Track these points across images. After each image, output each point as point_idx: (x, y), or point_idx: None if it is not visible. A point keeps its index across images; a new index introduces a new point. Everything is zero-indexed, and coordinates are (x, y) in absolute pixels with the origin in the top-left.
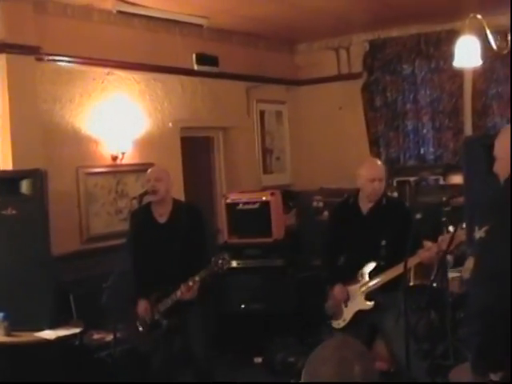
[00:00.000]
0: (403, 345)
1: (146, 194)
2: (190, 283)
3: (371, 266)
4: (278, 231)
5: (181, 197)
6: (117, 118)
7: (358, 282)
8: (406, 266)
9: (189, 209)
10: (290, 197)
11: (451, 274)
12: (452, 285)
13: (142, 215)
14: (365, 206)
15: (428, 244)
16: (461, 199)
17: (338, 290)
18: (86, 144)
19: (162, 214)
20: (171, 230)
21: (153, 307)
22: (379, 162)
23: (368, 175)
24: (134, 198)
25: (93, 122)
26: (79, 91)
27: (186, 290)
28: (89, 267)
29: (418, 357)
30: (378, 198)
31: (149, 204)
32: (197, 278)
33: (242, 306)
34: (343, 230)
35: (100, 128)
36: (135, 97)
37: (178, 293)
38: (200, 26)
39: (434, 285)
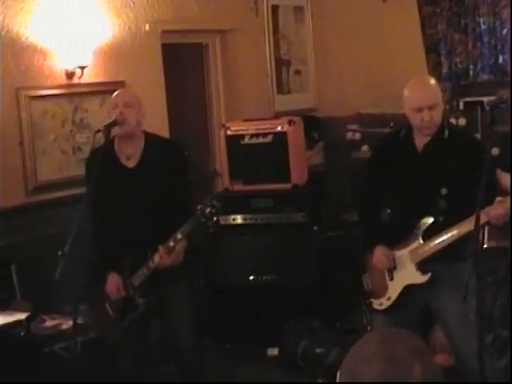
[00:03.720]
0: (473, 335)
1: (115, 124)
2: (171, 243)
3: (427, 222)
4: (298, 174)
5: (164, 128)
6: (72, 19)
7: (408, 244)
8: (478, 221)
9: (165, 146)
10: (314, 126)
11: None
12: None
13: (102, 157)
14: (420, 140)
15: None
16: None
17: (380, 254)
18: (30, 56)
19: (129, 156)
20: (142, 176)
21: (125, 282)
22: (430, 81)
23: (412, 102)
24: (99, 130)
25: (38, 24)
26: None
27: (166, 254)
28: (36, 227)
29: (493, 352)
30: (435, 130)
31: (112, 141)
32: (179, 236)
33: (251, 278)
34: (389, 174)
35: (49, 33)
36: None
37: (156, 258)
38: None
39: None
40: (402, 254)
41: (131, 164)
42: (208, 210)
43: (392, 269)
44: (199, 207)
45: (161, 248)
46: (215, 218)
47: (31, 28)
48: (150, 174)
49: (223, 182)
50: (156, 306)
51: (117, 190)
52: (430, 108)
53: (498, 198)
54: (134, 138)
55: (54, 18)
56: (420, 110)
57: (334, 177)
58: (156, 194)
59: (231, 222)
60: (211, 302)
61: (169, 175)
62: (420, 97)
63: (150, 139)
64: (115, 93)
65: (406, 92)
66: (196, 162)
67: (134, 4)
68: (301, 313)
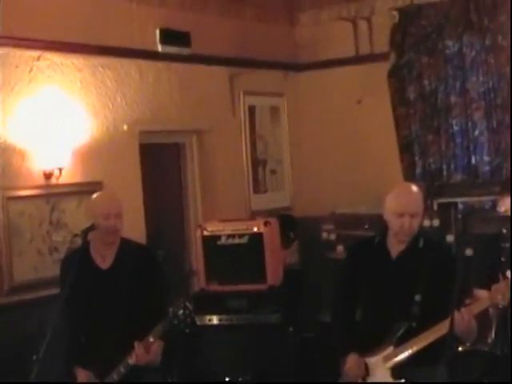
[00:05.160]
0: None
1: (92, 229)
2: (144, 345)
3: (401, 327)
4: (273, 275)
5: (140, 227)
6: (51, 121)
7: (381, 350)
8: (452, 323)
9: (138, 249)
10: (290, 225)
11: None
12: None
13: (77, 260)
14: (395, 247)
15: (479, 293)
16: None
17: (352, 362)
18: (8, 157)
19: (105, 257)
20: (115, 277)
21: (101, 381)
22: (415, 189)
23: (395, 208)
24: (76, 234)
25: (17, 126)
26: None
27: (143, 352)
28: (10, 328)
29: None
30: (411, 238)
31: (88, 243)
32: (151, 339)
33: (227, 379)
34: (364, 279)
35: (27, 135)
36: (76, 90)
37: (134, 356)
38: None
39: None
40: (376, 359)
41: (105, 265)
42: (181, 311)
43: (365, 375)
44: (171, 309)
45: (137, 346)
46: (188, 320)
47: (9, 129)
48: (123, 276)
49: (199, 282)
50: None
51: (90, 290)
52: (412, 216)
53: (479, 293)
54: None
55: (32, 120)
56: (402, 215)
57: (310, 277)
58: (129, 296)
59: (207, 322)
60: None
61: (142, 278)
62: (404, 203)
63: (125, 242)
64: (103, 198)
65: (390, 196)
66: (172, 261)
67: (112, 105)
68: None
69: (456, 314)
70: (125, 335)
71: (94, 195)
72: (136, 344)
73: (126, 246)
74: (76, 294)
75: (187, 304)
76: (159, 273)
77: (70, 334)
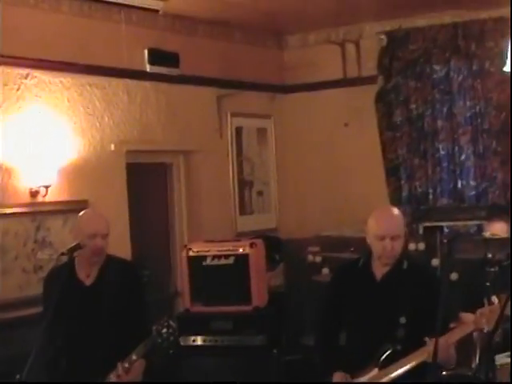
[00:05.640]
0: None
1: (78, 248)
2: (126, 364)
3: (385, 350)
4: (259, 296)
5: (126, 247)
6: (38, 139)
7: (366, 372)
8: (436, 349)
9: (122, 266)
10: (275, 247)
11: (500, 361)
12: (501, 374)
13: (62, 277)
14: (379, 269)
15: (465, 316)
16: None
17: (338, 379)
18: None
19: (89, 274)
20: (98, 294)
21: None
22: (395, 212)
23: (376, 231)
24: (63, 253)
25: (4, 143)
26: None
27: (124, 373)
28: None
29: None
30: (394, 260)
31: (72, 259)
32: (134, 357)
33: None
34: (348, 301)
35: (14, 152)
36: (63, 109)
37: (113, 377)
38: (155, 11)
39: (477, 375)
40: (361, 381)
41: (89, 282)
42: (164, 330)
43: None
44: (155, 327)
45: (119, 367)
46: (172, 338)
47: None
48: (106, 292)
49: (184, 302)
50: None
51: (74, 306)
52: (393, 238)
53: (466, 317)
54: None
55: (19, 137)
56: (383, 238)
57: (295, 299)
58: (110, 312)
59: (191, 343)
60: None
61: (124, 295)
62: (385, 226)
63: (109, 259)
64: (90, 218)
65: (371, 220)
66: (157, 281)
67: (99, 125)
68: None
69: (430, 343)
70: (106, 352)
71: (81, 213)
72: (118, 365)
73: (111, 262)
74: (59, 310)
75: (171, 322)
76: (142, 290)
77: (52, 351)
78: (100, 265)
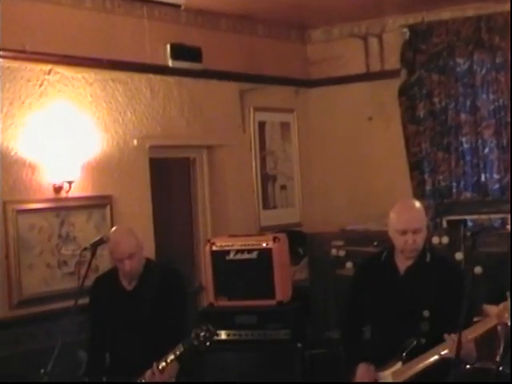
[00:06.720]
0: None
1: (102, 242)
2: (163, 363)
3: (410, 344)
4: (282, 291)
5: (149, 242)
6: (61, 135)
7: (390, 366)
8: (459, 343)
9: (163, 271)
10: (299, 242)
11: None
12: None
13: (107, 283)
14: (402, 263)
15: (488, 308)
16: None
17: (362, 370)
18: (18, 170)
19: (131, 279)
20: (139, 298)
21: None
22: (416, 205)
23: (397, 225)
24: (85, 248)
25: (27, 139)
26: (8, 97)
27: (158, 372)
28: (20, 341)
29: None
30: (417, 253)
31: (116, 269)
32: (171, 357)
33: None
34: (372, 296)
35: (37, 148)
36: (86, 104)
37: (149, 374)
38: (177, 6)
39: (501, 368)
40: (385, 375)
41: (130, 287)
42: (203, 333)
43: None
44: (194, 330)
45: (154, 365)
46: (208, 342)
47: (20, 142)
48: (146, 297)
49: (208, 297)
50: None
51: (116, 310)
52: (414, 232)
53: (489, 309)
54: None
55: (43, 133)
56: (404, 232)
57: (319, 293)
58: (150, 316)
59: (215, 337)
60: None
61: (164, 300)
62: (406, 220)
63: (149, 264)
64: (113, 243)
65: (392, 214)
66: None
67: (122, 120)
68: None
69: (449, 339)
70: (145, 352)
71: (110, 233)
72: (154, 364)
73: (151, 268)
74: (104, 314)
75: (210, 327)
76: (182, 296)
77: (95, 351)
78: (142, 270)
